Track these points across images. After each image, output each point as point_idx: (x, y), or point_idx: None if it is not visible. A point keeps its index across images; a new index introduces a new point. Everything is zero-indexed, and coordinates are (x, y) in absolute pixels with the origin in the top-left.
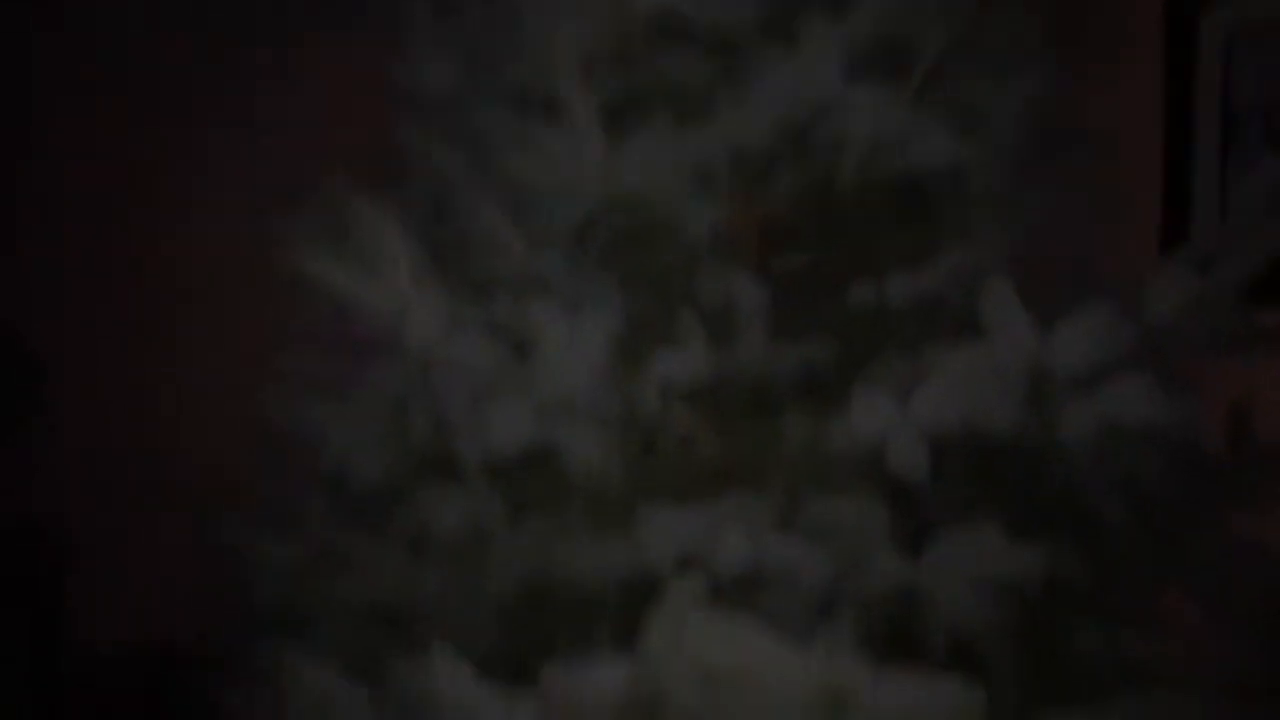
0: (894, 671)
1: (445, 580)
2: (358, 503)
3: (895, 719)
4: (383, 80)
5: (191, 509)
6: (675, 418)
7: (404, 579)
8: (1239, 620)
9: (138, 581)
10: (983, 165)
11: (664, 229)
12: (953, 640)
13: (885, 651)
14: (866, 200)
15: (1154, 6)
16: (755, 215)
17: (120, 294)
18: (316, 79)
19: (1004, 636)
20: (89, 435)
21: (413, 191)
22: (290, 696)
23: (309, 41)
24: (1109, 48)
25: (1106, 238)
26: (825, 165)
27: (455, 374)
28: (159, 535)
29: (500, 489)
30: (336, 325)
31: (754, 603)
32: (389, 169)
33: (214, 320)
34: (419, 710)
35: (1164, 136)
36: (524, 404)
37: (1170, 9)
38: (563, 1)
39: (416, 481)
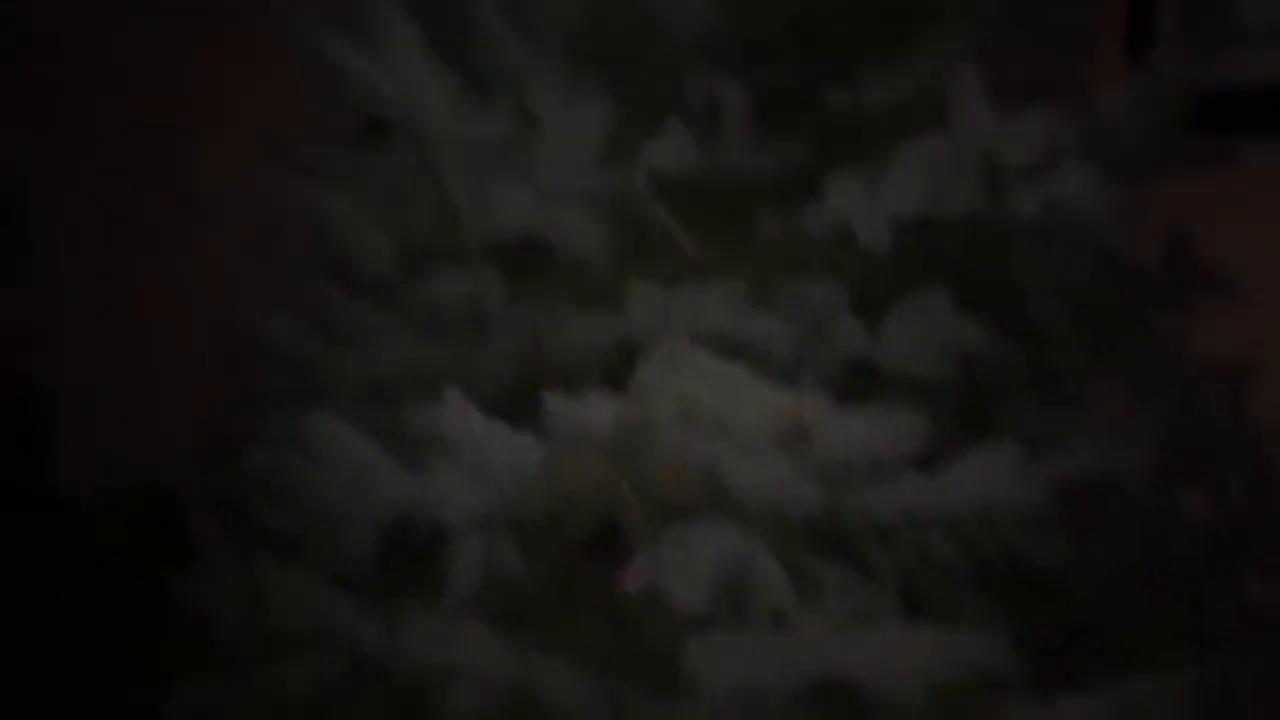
0: (851, 407)
1: (449, 355)
2: (364, 284)
3: (851, 445)
4: None
5: (191, 319)
6: (660, 216)
7: (410, 355)
8: (1156, 410)
9: (128, 418)
10: None
11: (653, 31)
12: (901, 392)
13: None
14: (846, 11)
15: None
16: (740, 25)
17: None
18: None
19: (946, 390)
20: (72, 258)
21: None
22: (312, 455)
23: None
24: None
25: (1070, 54)
26: None
27: (460, 155)
28: (153, 356)
29: (499, 271)
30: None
31: None
32: None
33: (218, 112)
34: (434, 450)
35: None
36: (523, 187)
37: None
38: None
39: (421, 263)
